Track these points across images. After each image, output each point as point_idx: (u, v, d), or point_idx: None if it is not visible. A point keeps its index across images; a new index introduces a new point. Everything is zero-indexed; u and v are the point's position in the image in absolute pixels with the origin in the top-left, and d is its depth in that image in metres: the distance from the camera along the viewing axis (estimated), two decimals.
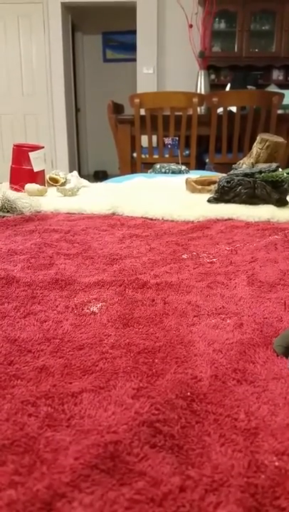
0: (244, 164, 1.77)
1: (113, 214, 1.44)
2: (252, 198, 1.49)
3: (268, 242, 1.08)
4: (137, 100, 2.89)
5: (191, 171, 2.45)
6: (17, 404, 0.47)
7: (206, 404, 0.47)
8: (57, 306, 0.72)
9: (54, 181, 1.98)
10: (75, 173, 2.04)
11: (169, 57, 5.53)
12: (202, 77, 3.50)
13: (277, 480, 0.37)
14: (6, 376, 0.52)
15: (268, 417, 0.45)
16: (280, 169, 1.56)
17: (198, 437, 0.43)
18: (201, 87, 3.49)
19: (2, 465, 0.39)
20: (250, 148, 2.63)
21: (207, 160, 3.12)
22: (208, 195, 1.62)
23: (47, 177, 1.99)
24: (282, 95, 2.89)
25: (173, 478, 0.37)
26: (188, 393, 0.49)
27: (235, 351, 0.58)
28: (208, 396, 0.49)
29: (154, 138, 3.13)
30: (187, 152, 3.12)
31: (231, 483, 0.37)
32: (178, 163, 2.64)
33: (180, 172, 2.34)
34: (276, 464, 0.39)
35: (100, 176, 6.76)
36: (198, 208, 1.45)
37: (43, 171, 1.93)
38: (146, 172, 2.54)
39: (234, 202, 1.50)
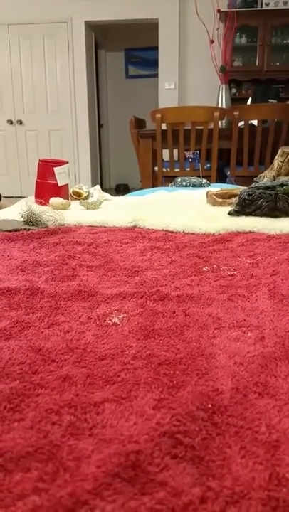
0: (265, 177, 1.77)
1: (134, 227, 1.46)
2: (273, 211, 1.48)
3: None
4: (158, 115, 2.93)
5: (212, 184, 2.45)
6: (41, 412, 0.48)
7: (227, 417, 0.47)
8: (80, 317, 0.74)
9: (77, 195, 2.02)
10: (98, 187, 2.08)
11: (191, 73, 5.59)
12: (223, 91, 3.52)
13: None
14: (30, 385, 0.54)
15: None
16: None
17: (219, 449, 0.43)
18: (223, 102, 3.51)
19: (26, 472, 0.40)
20: (272, 161, 2.62)
21: (228, 173, 3.13)
22: (229, 208, 1.62)
23: (70, 191, 2.03)
24: None
25: (194, 489, 0.38)
26: (210, 405, 0.49)
27: (257, 364, 0.58)
28: (229, 408, 0.49)
29: (175, 152, 3.15)
30: (208, 165, 3.13)
31: (252, 496, 0.37)
32: (199, 176, 2.65)
33: (201, 185, 2.35)
34: None
35: (121, 190, 6.84)
36: (219, 220, 1.46)
37: (67, 185, 1.97)
38: (168, 185, 2.56)
39: (255, 215, 1.49)
